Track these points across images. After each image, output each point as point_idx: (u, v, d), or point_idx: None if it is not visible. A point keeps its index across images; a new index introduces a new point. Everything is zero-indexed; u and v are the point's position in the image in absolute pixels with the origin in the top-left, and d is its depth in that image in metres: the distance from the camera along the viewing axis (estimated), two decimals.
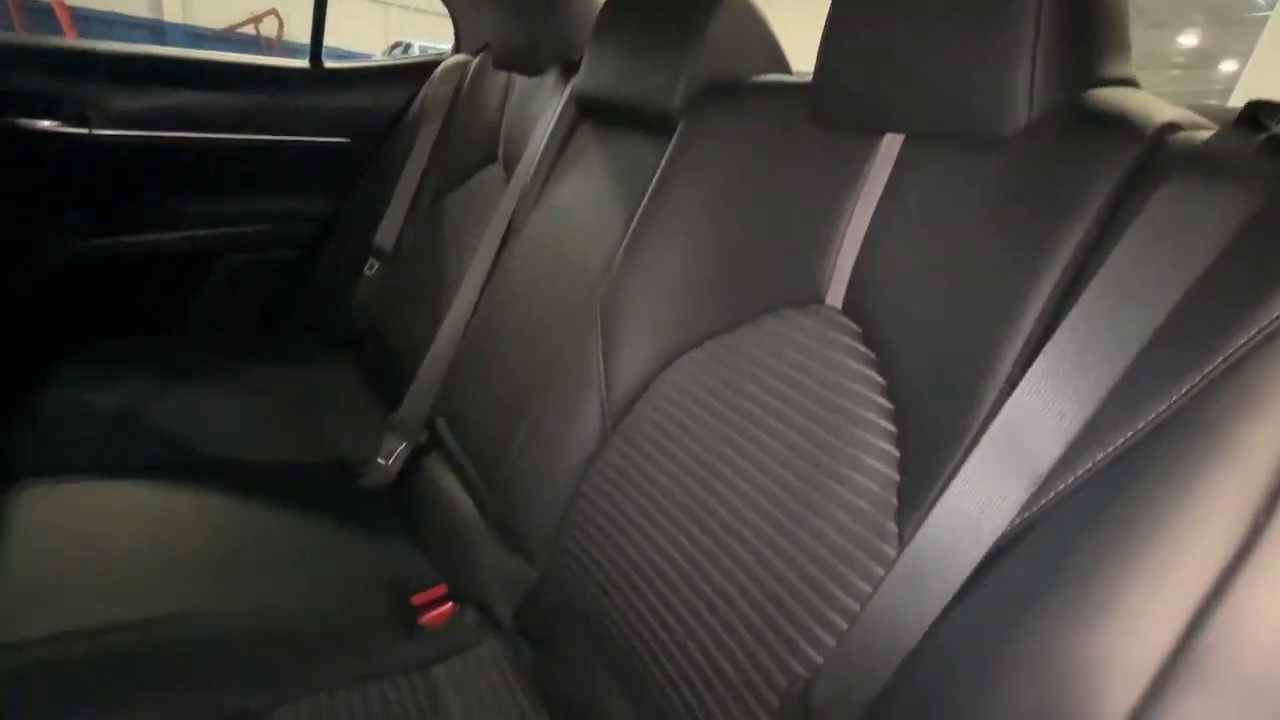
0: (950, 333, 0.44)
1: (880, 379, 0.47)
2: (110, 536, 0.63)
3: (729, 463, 0.54)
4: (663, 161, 0.68)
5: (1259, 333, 0.29)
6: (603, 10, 0.81)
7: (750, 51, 0.69)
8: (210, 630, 0.58)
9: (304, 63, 1.24)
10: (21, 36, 1.15)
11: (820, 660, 0.41)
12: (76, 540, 0.62)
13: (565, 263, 0.79)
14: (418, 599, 0.71)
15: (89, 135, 1.04)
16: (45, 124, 1.02)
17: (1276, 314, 0.29)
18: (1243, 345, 0.30)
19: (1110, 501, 0.32)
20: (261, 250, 1.29)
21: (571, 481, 0.68)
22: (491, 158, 1.08)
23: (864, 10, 0.49)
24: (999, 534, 0.35)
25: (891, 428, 0.45)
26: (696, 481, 0.56)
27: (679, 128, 0.67)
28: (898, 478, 0.44)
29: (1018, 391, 0.36)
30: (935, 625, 0.36)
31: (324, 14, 1.22)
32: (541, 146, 0.89)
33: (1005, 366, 0.40)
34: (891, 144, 0.50)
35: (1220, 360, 0.30)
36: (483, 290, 0.92)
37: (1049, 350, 0.36)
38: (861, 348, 0.49)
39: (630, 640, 0.57)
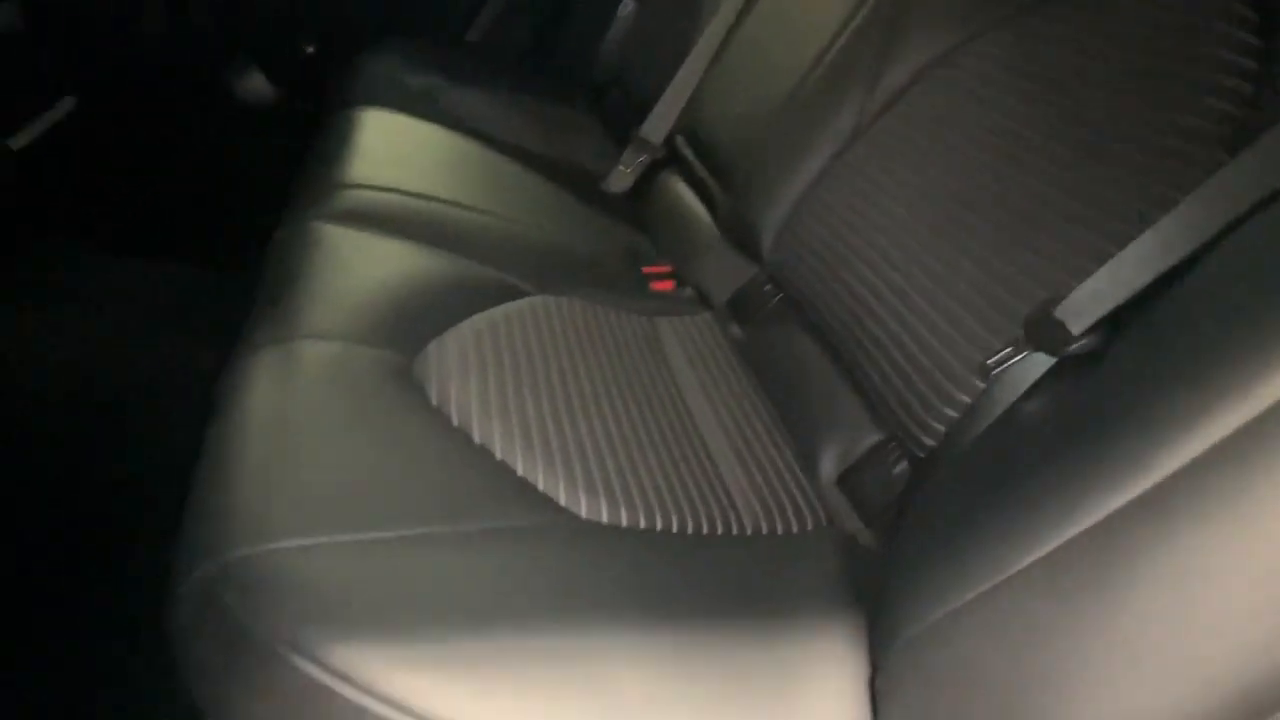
0: None
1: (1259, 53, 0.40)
2: (434, 149, 0.79)
3: (1016, 137, 0.51)
4: None
5: None
6: None
7: None
8: (503, 227, 0.71)
9: None
10: None
11: (1075, 283, 0.41)
12: (407, 142, 0.77)
13: None
14: (648, 269, 0.81)
15: None
16: None
17: None
18: None
19: None
20: None
21: (810, 178, 0.70)
22: None
23: None
24: None
25: (1251, 63, 0.40)
26: (964, 156, 0.54)
27: None
28: (1240, 113, 0.39)
29: None
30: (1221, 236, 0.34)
31: None
32: None
33: None
34: None
35: None
36: (742, 12, 0.91)
37: None
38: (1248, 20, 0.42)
39: (850, 311, 0.60)
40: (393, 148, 0.76)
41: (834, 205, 0.66)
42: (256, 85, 1.36)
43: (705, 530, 0.48)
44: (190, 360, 0.65)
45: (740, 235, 0.78)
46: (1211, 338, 0.31)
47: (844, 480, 0.57)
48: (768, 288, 0.75)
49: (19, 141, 0.62)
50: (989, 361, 0.43)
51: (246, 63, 1.36)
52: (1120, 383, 0.35)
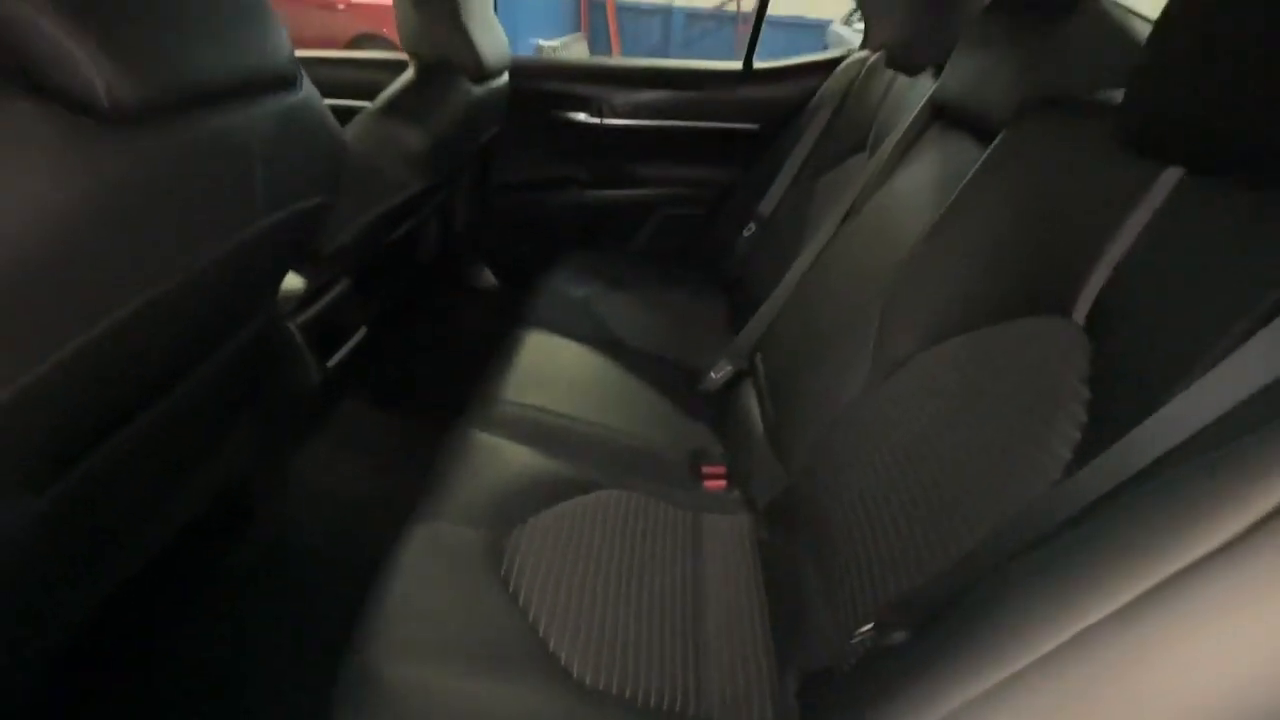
0: (1169, 347, 0.47)
1: (1089, 382, 0.53)
2: (569, 367, 1.11)
3: (951, 431, 0.65)
4: (975, 165, 0.76)
5: None
6: (976, 18, 0.88)
7: (1107, 61, 0.70)
8: (599, 434, 0.99)
9: (738, 65, 1.58)
10: (567, 60, 1.79)
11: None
12: (555, 365, 1.11)
13: (880, 244, 0.93)
14: (706, 469, 1.01)
15: (600, 123, 1.59)
16: (579, 115, 1.60)
17: None
18: None
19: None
20: (683, 206, 1.73)
21: (829, 417, 0.86)
22: (861, 147, 1.23)
23: (1181, 29, 0.50)
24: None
25: (1083, 414, 0.52)
26: (924, 441, 0.69)
27: (1000, 135, 0.74)
28: (1069, 457, 0.51)
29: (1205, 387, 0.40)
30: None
31: (760, 26, 1.52)
32: (894, 142, 1.02)
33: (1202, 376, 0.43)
34: (1169, 178, 0.52)
35: None
36: (818, 256, 1.13)
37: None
38: (1086, 351, 0.54)
39: (838, 534, 0.75)
40: (540, 369, 1.10)
41: (840, 442, 0.82)
42: (485, 279, 1.90)
43: (665, 705, 0.66)
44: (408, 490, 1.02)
45: (779, 450, 0.96)
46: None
47: (802, 692, 0.70)
48: (792, 499, 0.90)
49: (331, 361, 1.07)
50: (852, 641, 0.57)
51: (479, 262, 1.91)
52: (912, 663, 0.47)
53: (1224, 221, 0.47)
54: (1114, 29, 0.69)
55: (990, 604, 0.42)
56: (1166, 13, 0.51)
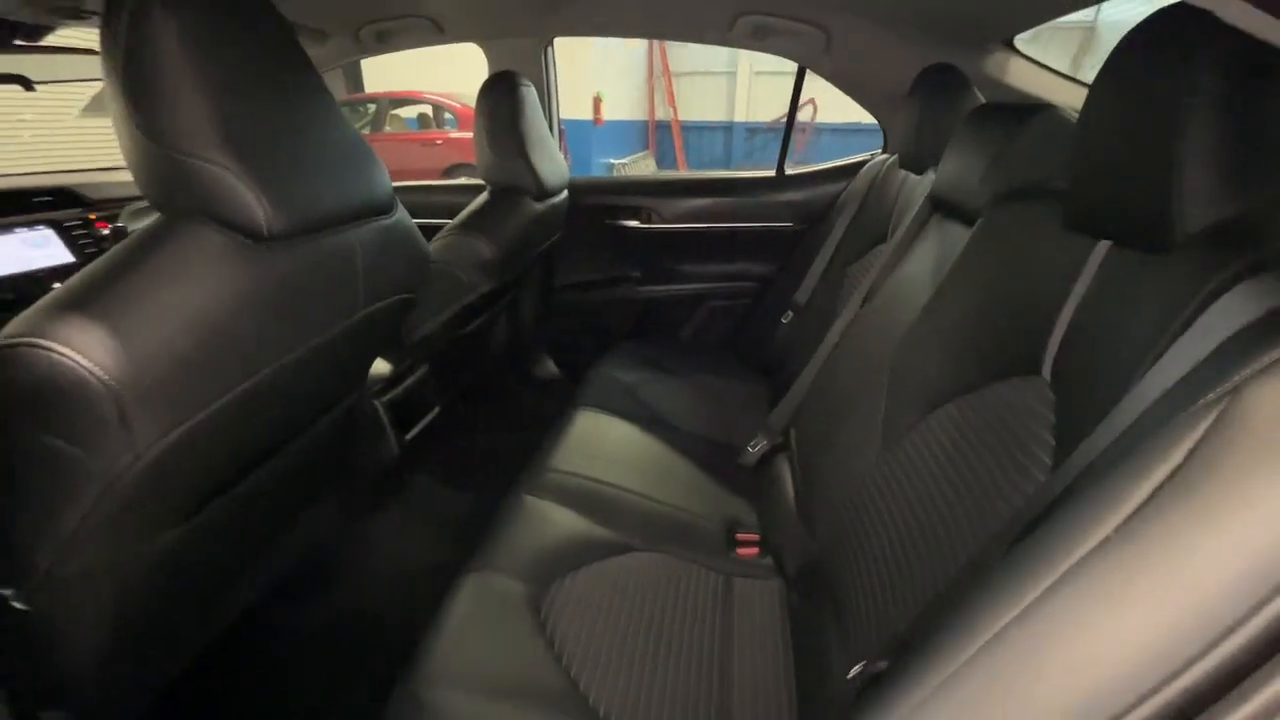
0: (1104, 391, 0.54)
1: (1054, 430, 0.59)
2: (617, 443, 1.22)
3: (945, 487, 0.71)
4: (962, 248, 0.85)
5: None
6: (960, 124, 1.00)
7: (1059, 157, 0.79)
8: (639, 502, 1.07)
9: (771, 171, 1.76)
10: (616, 177, 2.04)
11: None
12: (602, 440, 1.22)
13: (889, 325, 1.01)
14: (740, 536, 1.07)
15: (649, 228, 1.79)
16: (631, 222, 1.81)
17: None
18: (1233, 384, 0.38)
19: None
20: (727, 298, 1.87)
21: (849, 484, 0.92)
22: (883, 238, 1.34)
23: (1094, 132, 0.60)
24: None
25: (1048, 460, 0.57)
26: (923, 499, 0.74)
27: (979, 221, 0.83)
28: (1030, 491, 0.57)
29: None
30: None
31: (789, 139, 1.71)
32: (902, 231, 1.13)
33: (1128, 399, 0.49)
34: (1100, 249, 0.60)
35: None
36: (841, 338, 1.21)
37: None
38: (1051, 404, 0.61)
39: (854, 599, 0.79)
40: (588, 443, 1.22)
41: (857, 510, 0.87)
42: (547, 368, 2.08)
43: None
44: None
45: (807, 519, 1.01)
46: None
47: None
48: (819, 565, 0.94)
49: (409, 436, 1.23)
50: (849, 676, 0.61)
51: (543, 354, 2.09)
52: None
53: (1146, 281, 0.54)
54: (1067, 129, 0.79)
55: (935, 628, 0.48)
56: (1085, 112, 0.61)
